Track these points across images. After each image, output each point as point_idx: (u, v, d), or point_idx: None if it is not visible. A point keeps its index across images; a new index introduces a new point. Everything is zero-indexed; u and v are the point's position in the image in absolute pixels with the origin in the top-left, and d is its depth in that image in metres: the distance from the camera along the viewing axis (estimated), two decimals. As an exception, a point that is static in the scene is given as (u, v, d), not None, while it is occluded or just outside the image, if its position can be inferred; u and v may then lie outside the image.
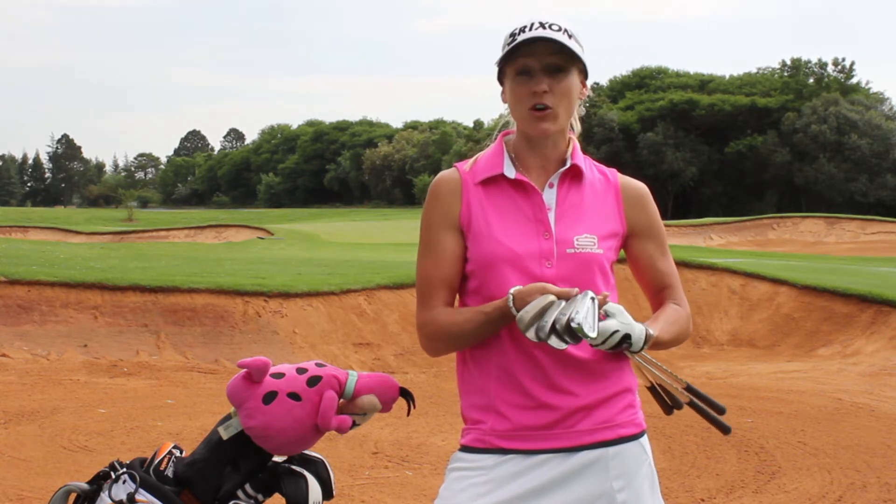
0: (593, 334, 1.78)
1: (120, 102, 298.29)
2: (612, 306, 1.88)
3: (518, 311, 1.87)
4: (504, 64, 2.02)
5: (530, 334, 1.81)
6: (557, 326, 1.78)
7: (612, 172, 2.14)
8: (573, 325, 1.77)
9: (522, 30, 1.98)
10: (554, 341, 1.79)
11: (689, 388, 2.41)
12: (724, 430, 2.43)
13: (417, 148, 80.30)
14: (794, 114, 56.50)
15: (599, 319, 1.85)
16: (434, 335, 2.03)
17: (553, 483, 1.95)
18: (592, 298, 1.83)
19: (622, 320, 1.87)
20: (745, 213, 44.47)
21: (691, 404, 2.40)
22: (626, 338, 1.87)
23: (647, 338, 1.90)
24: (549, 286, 1.88)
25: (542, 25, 1.97)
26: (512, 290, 1.91)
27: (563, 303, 1.83)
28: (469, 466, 1.99)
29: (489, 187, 2.05)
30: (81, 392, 7.56)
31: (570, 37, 1.98)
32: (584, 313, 1.78)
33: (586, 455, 1.97)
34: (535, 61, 1.97)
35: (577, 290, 1.88)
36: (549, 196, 2.04)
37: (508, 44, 1.99)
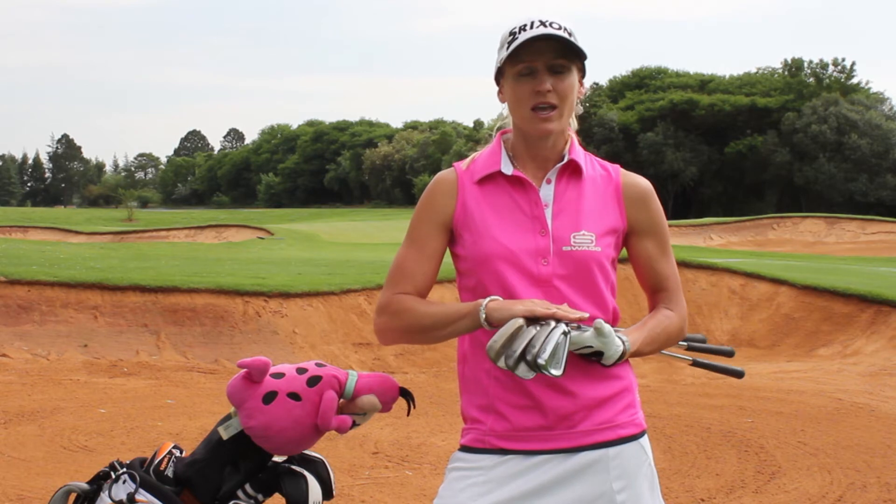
0: (557, 372, 1.76)
1: (120, 102, 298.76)
2: (602, 325, 1.84)
3: (490, 324, 1.87)
4: (504, 63, 2.00)
5: (500, 363, 1.78)
6: (527, 357, 1.76)
7: (614, 168, 2.12)
8: (539, 361, 1.74)
9: (523, 28, 1.96)
10: (522, 370, 1.76)
11: (689, 348, 2.44)
12: (737, 374, 2.49)
13: (417, 148, 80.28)
14: (794, 114, 56.48)
15: (581, 328, 1.85)
16: (394, 316, 2.01)
17: (553, 483, 1.95)
18: (565, 333, 1.80)
19: (602, 340, 1.85)
20: (745, 213, 44.47)
21: (696, 363, 2.45)
22: (599, 353, 1.87)
23: (623, 354, 1.90)
24: (519, 308, 1.84)
25: (542, 24, 1.95)
26: (483, 305, 1.90)
27: (535, 329, 1.79)
28: (469, 466, 1.99)
29: (486, 185, 2.04)
30: (81, 392, 7.56)
31: (569, 35, 1.97)
32: (550, 350, 1.75)
33: (587, 455, 1.97)
34: (539, 62, 1.96)
35: (556, 308, 1.84)
36: (547, 192, 2.03)
37: (509, 42, 1.97)
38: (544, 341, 1.76)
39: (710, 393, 8.21)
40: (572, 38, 1.96)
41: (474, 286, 2.02)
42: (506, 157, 2.06)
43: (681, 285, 2.15)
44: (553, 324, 1.81)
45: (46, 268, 10.73)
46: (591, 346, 1.85)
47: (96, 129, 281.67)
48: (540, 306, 1.84)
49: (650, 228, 2.09)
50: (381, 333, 2.07)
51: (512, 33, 1.98)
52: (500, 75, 2.05)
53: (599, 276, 2.00)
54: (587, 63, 2.05)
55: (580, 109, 2.11)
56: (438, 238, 2.05)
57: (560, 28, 1.95)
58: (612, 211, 2.05)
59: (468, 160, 2.11)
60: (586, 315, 1.87)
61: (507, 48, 1.97)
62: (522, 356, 1.75)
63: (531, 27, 1.95)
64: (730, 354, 2.58)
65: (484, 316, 1.89)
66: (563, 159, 2.05)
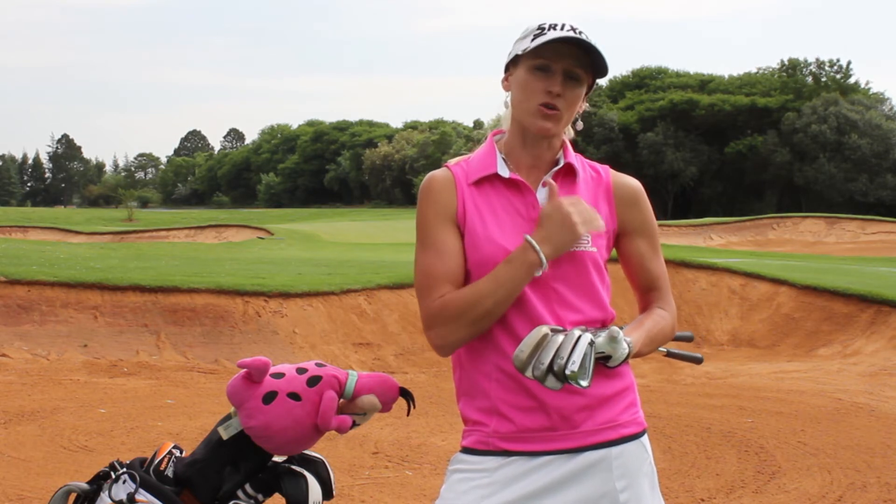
0: (585, 383, 1.76)
1: (120, 102, 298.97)
2: (617, 332, 1.86)
3: (538, 245, 1.89)
4: (523, 54, 1.98)
5: (528, 374, 1.78)
6: (555, 368, 1.75)
7: (604, 170, 2.12)
8: (567, 371, 1.74)
9: (553, 26, 1.96)
10: (551, 382, 1.76)
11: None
12: (696, 360, 2.65)
13: (417, 148, 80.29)
14: (794, 114, 56.49)
15: (597, 333, 1.86)
16: (454, 314, 1.92)
17: (557, 483, 1.95)
18: (591, 343, 1.80)
19: (614, 345, 1.86)
20: (745, 213, 44.47)
21: (669, 354, 2.55)
22: (606, 357, 1.88)
23: (627, 356, 1.91)
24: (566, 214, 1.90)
25: (573, 30, 1.96)
26: (526, 237, 1.91)
27: (560, 338, 1.79)
28: (472, 468, 1.98)
29: (482, 186, 2.03)
30: (81, 392, 7.56)
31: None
32: (579, 360, 1.75)
33: (590, 455, 1.96)
34: (559, 63, 1.96)
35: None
36: (543, 195, 2.02)
37: (534, 34, 1.97)
38: (571, 351, 1.76)
39: (710, 393, 8.22)
40: (601, 52, 1.96)
41: None
42: (500, 159, 2.05)
43: (669, 284, 2.17)
44: (577, 332, 1.81)
45: (46, 268, 10.72)
46: (602, 352, 1.85)
47: (96, 129, 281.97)
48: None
49: (641, 228, 2.10)
50: (444, 345, 1.96)
51: (541, 27, 1.97)
52: (512, 64, 2.04)
53: (596, 276, 2.01)
54: (595, 77, 2.04)
55: (580, 125, 2.11)
56: (453, 234, 2.00)
57: (587, 40, 1.96)
58: (603, 212, 2.05)
59: (456, 159, 2.10)
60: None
61: (533, 39, 1.96)
62: (550, 367, 1.75)
63: (562, 28, 1.95)
64: (689, 339, 2.73)
65: (537, 246, 1.89)
66: (557, 162, 2.06)
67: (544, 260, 1.90)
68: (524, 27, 2.04)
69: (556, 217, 1.90)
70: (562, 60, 1.96)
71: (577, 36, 1.94)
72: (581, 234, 1.91)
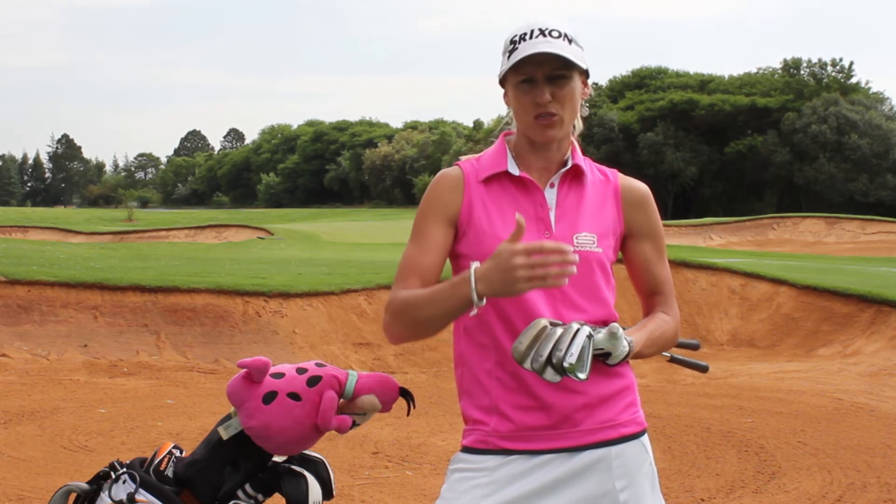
0: (583, 376, 1.76)
1: (120, 102, 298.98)
2: (617, 329, 1.86)
3: (477, 283, 1.78)
4: (507, 72, 2.00)
5: (526, 365, 1.78)
6: (553, 361, 1.75)
7: (612, 173, 2.14)
8: (565, 364, 1.74)
9: (522, 37, 1.96)
10: (549, 374, 1.76)
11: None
12: (702, 369, 2.64)
13: (417, 148, 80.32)
14: (794, 114, 56.46)
15: (596, 329, 1.85)
16: (395, 310, 1.96)
17: (557, 483, 1.95)
18: (589, 336, 1.80)
19: (613, 342, 1.85)
20: (745, 213, 44.47)
21: (672, 360, 2.56)
22: (606, 354, 1.88)
23: (627, 355, 1.91)
24: (508, 249, 1.74)
25: (542, 32, 1.95)
26: (473, 264, 1.82)
27: (559, 331, 1.79)
28: (472, 467, 1.99)
29: (492, 184, 2.05)
30: (81, 392, 7.56)
31: (570, 41, 1.96)
32: (577, 352, 1.75)
33: (590, 455, 1.97)
34: (538, 72, 1.96)
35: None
36: (550, 195, 2.04)
37: (510, 51, 1.98)
38: (570, 344, 1.77)
39: (710, 393, 8.21)
40: (572, 46, 1.96)
41: None
42: (511, 157, 2.07)
43: (674, 290, 2.17)
44: (576, 326, 1.81)
45: (46, 268, 10.73)
46: (601, 348, 1.85)
47: (96, 129, 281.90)
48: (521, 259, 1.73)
49: (648, 231, 2.11)
50: (387, 332, 2.04)
51: (513, 41, 1.98)
52: (503, 80, 2.06)
53: (601, 276, 2.01)
54: (591, 64, 2.04)
55: (585, 111, 2.12)
56: (443, 232, 2.03)
57: (560, 36, 1.95)
58: (610, 214, 2.07)
59: (467, 157, 2.12)
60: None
61: (508, 57, 1.98)
62: (549, 359, 1.76)
63: (531, 36, 1.95)
64: (695, 348, 2.71)
65: (473, 279, 1.79)
66: (566, 163, 2.07)
67: (475, 296, 1.79)
68: (504, 39, 2.04)
69: (502, 260, 1.75)
70: (541, 68, 1.96)
71: (545, 43, 1.93)
72: (521, 290, 1.76)
